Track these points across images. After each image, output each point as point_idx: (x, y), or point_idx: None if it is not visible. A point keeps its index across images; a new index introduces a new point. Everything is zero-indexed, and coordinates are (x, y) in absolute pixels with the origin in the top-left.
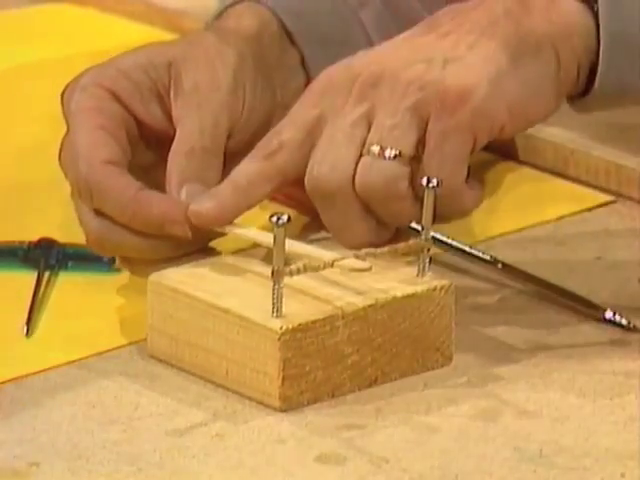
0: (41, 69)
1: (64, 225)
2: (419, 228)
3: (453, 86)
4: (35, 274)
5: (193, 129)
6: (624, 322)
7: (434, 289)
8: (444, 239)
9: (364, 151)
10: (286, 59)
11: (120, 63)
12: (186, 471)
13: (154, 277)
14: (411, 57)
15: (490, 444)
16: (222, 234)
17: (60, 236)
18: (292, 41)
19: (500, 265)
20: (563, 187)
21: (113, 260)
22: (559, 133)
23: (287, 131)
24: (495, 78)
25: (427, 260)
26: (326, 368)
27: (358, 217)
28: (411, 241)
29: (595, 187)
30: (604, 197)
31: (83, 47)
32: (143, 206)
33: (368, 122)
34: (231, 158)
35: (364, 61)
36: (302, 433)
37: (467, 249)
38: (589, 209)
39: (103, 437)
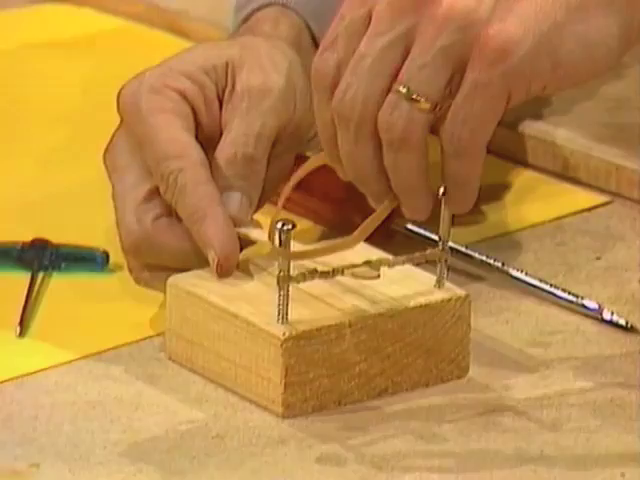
0: (41, 69)
1: (58, 225)
2: (436, 238)
3: (496, 35)
4: (29, 275)
5: (238, 134)
6: (622, 322)
7: (449, 300)
8: (462, 249)
9: (393, 86)
10: None
11: (180, 65)
12: (186, 472)
13: (172, 280)
14: None
15: (490, 444)
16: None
17: (54, 236)
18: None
19: (525, 279)
20: (563, 188)
21: (107, 260)
22: (559, 134)
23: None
24: (546, 33)
25: (445, 270)
26: (332, 376)
27: (369, 155)
28: (428, 251)
29: (595, 188)
30: (604, 198)
31: (83, 47)
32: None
33: (405, 46)
34: (275, 163)
35: None
36: (302, 434)
37: (485, 259)
38: (589, 209)
39: (103, 438)
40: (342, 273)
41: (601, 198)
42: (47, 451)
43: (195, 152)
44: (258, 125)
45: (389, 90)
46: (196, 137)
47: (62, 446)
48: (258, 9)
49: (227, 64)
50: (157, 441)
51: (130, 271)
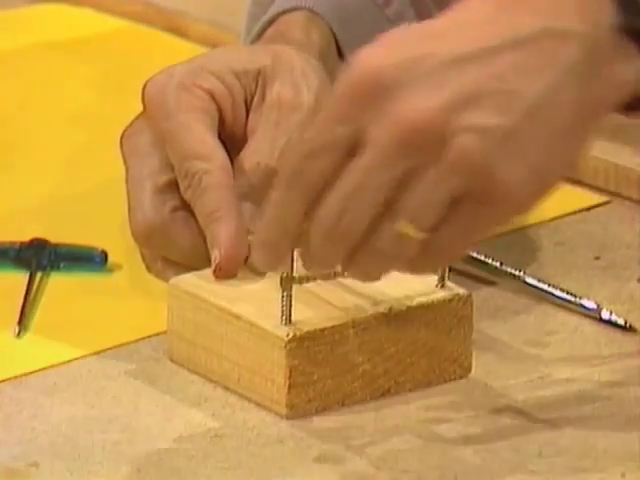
0: (41, 69)
1: (56, 225)
2: None
3: (502, 183)
4: (27, 274)
5: (264, 145)
6: (620, 322)
7: (451, 300)
8: None
9: (388, 213)
10: None
11: (212, 65)
12: (185, 471)
13: (174, 281)
14: (465, 93)
15: (489, 444)
16: None
17: (52, 236)
18: (339, 53)
19: (523, 279)
20: (562, 187)
21: (105, 260)
22: None
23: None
24: (543, 170)
25: (447, 270)
26: (335, 377)
27: (339, 258)
28: None
29: (594, 187)
30: (603, 197)
31: (82, 47)
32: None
33: (405, 179)
34: None
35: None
36: (302, 434)
37: (483, 259)
38: (588, 209)
39: (102, 437)
40: (344, 275)
41: (600, 198)
42: (46, 451)
43: (222, 156)
44: (284, 139)
45: (375, 214)
46: (218, 137)
47: (61, 446)
48: (283, 12)
49: (259, 71)
50: (156, 441)
51: (143, 258)
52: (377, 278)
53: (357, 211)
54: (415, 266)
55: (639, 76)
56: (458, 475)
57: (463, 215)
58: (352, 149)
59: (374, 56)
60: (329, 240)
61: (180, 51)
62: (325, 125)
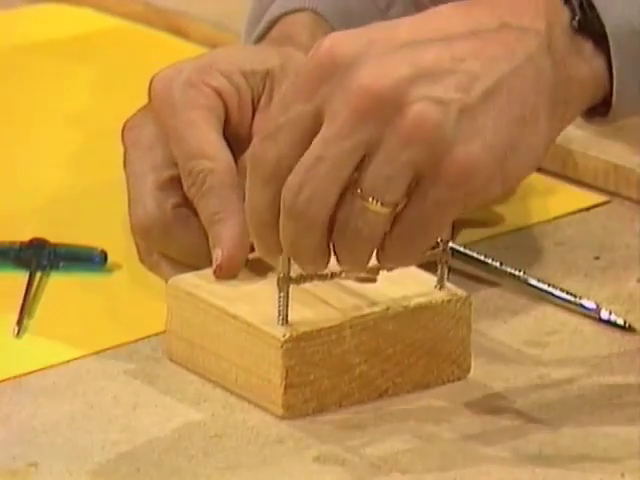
0: (40, 69)
1: (56, 225)
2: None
3: (461, 160)
4: (27, 274)
5: None
6: (620, 322)
7: (449, 301)
8: (462, 250)
9: (352, 188)
10: None
11: (220, 63)
12: (184, 471)
13: (173, 281)
14: (424, 68)
15: (489, 444)
16: None
17: (52, 236)
18: None
19: (522, 279)
20: (561, 187)
21: (105, 260)
22: None
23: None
24: (504, 154)
25: (445, 271)
26: (332, 377)
27: (316, 242)
28: (428, 252)
29: (593, 187)
30: (602, 197)
31: (82, 47)
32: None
33: (364, 151)
34: None
35: (375, 53)
36: (301, 434)
37: (483, 258)
38: (587, 209)
39: (102, 437)
40: (341, 276)
41: (599, 198)
42: (45, 451)
43: (227, 155)
44: None
45: (344, 189)
46: (223, 136)
47: (60, 446)
48: (286, 13)
49: (267, 72)
50: (155, 441)
51: (138, 251)
52: (361, 265)
53: (317, 182)
54: (389, 253)
55: (597, 74)
56: (458, 475)
57: (425, 195)
58: (311, 129)
59: (334, 38)
60: (291, 217)
61: (180, 51)
62: (283, 106)
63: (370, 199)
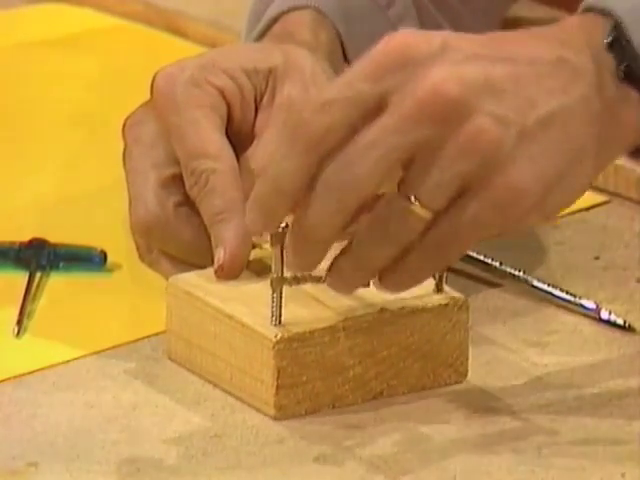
0: (40, 69)
1: (56, 225)
2: None
3: (511, 181)
4: (27, 274)
5: (271, 146)
6: (620, 322)
7: (446, 304)
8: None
9: (400, 190)
10: None
11: (223, 61)
12: (184, 471)
13: (172, 280)
14: (493, 84)
15: (489, 444)
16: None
17: (52, 236)
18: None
19: (522, 279)
20: None
21: (104, 260)
22: None
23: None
24: (549, 185)
25: (444, 275)
26: (325, 379)
27: (339, 223)
28: None
29: (594, 187)
30: (602, 197)
31: (82, 47)
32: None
33: (417, 152)
34: None
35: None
36: (300, 434)
37: (482, 258)
38: (587, 209)
39: (101, 437)
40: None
41: (599, 197)
42: (45, 451)
43: (229, 155)
44: None
45: (382, 179)
46: (225, 134)
47: (60, 446)
48: (288, 11)
49: (270, 70)
50: (155, 441)
51: (137, 247)
52: (371, 270)
53: (365, 167)
54: (409, 264)
55: None
56: (458, 475)
57: (465, 209)
58: (371, 114)
59: (408, 33)
60: (328, 193)
61: (180, 51)
62: (346, 83)
63: (414, 201)
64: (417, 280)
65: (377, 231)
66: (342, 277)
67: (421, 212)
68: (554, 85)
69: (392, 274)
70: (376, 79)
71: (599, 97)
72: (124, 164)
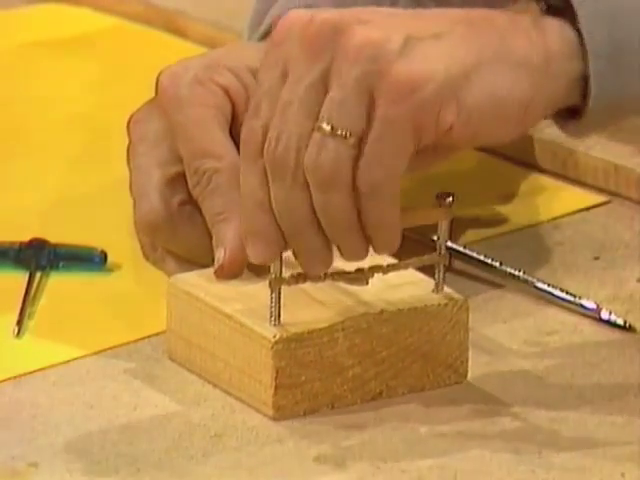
0: (40, 69)
1: (56, 225)
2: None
3: (404, 71)
4: (27, 274)
5: None
6: (620, 322)
7: (446, 305)
8: (462, 250)
9: (316, 125)
10: None
11: (228, 60)
12: (184, 471)
13: (173, 279)
14: (375, 21)
15: (489, 444)
16: None
17: (52, 236)
18: None
19: (522, 279)
20: (561, 187)
21: (104, 260)
22: (558, 133)
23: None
24: (453, 75)
25: (443, 275)
26: (324, 379)
27: (306, 202)
28: (425, 256)
29: (593, 187)
30: (602, 197)
31: (82, 46)
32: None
33: (325, 85)
34: None
35: (325, 14)
36: (300, 433)
37: (483, 258)
38: (587, 209)
39: (101, 437)
40: (333, 278)
41: (599, 198)
42: (45, 451)
43: (232, 155)
44: None
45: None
46: (229, 133)
47: (60, 446)
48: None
49: None
50: (155, 441)
51: (141, 245)
52: (341, 215)
53: (291, 126)
54: (361, 179)
55: (571, 49)
56: (458, 475)
57: (375, 117)
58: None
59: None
60: (276, 172)
61: (179, 51)
62: (257, 83)
63: (326, 126)
64: (390, 226)
65: (315, 174)
66: (313, 250)
67: (339, 139)
68: (455, 15)
69: (366, 231)
70: (273, 64)
71: (505, 14)
72: (128, 162)
